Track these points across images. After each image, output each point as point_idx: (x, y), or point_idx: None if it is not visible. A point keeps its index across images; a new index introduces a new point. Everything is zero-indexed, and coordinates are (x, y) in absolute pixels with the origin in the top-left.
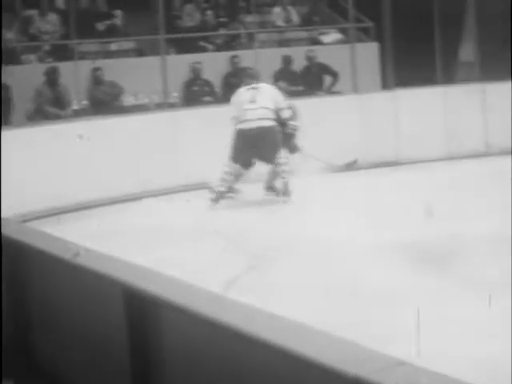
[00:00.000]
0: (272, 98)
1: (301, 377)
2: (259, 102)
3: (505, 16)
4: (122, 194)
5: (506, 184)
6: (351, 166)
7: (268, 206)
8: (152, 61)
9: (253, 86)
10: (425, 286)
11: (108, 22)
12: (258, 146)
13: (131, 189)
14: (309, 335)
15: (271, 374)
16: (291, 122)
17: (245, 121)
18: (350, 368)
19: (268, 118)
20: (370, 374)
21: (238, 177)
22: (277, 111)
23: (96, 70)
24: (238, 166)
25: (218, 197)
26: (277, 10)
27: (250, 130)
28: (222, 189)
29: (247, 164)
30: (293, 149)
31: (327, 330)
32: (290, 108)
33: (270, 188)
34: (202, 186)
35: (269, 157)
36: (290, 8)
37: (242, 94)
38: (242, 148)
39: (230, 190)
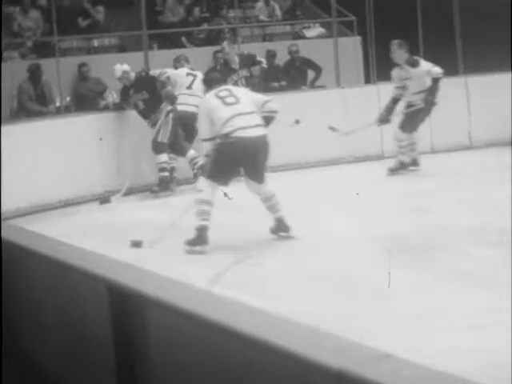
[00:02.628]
0: None
1: (285, 370)
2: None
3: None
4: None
5: (492, 176)
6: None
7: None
8: (135, 56)
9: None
10: (411, 279)
11: (90, 19)
12: None
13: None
14: (293, 329)
15: (256, 368)
16: None
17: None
18: (332, 361)
19: None
20: (353, 367)
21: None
22: None
23: (82, 65)
24: None
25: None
26: (260, 4)
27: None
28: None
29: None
30: None
31: (312, 323)
32: None
33: None
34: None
35: None
36: (272, 2)
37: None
38: None
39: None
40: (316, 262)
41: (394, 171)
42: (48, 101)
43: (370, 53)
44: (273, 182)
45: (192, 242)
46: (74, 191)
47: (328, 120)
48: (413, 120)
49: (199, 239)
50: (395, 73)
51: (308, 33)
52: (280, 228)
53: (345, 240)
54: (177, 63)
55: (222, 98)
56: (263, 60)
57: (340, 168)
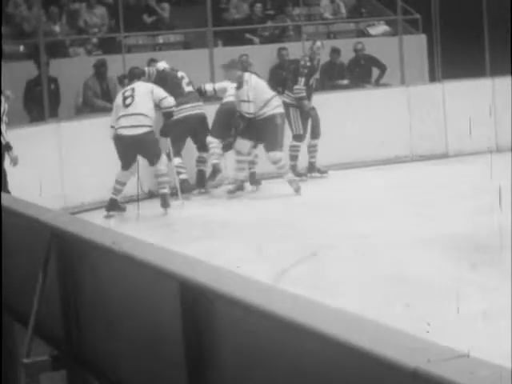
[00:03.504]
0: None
1: (360, 369)
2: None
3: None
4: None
5: None
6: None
7: (313, 200)
8: (199, 53)
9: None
10: (479, 279)
11: (155, 15)
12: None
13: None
14: (365, 326)
15: (326, 367)
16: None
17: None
18: (408, 360)
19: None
20: (428, 366)
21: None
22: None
23: (152, 61)
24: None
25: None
26: (324, 2)
27: None
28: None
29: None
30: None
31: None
32: None
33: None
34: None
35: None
36: (337, 0)
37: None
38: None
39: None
40: (381, 261)
41: None
42: (113, 97)
43: (435, 51)
44: (337, 180)
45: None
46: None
47: (393, 118)
48: None
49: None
50: None
51: (372, 30)
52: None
53: (410, 240)
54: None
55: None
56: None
57: (403, 167)
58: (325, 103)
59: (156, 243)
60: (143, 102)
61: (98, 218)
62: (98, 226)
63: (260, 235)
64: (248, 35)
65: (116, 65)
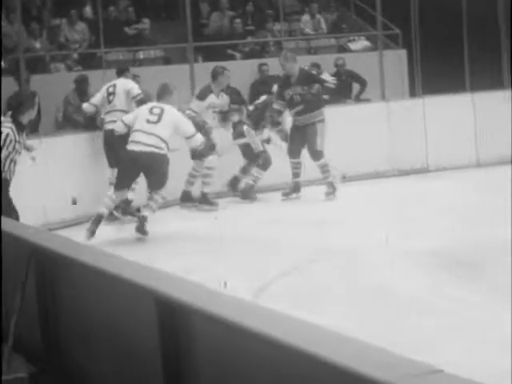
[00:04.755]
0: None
1: None
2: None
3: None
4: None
5: None
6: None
7: (295, 215)
8: (180, 69)
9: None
10: (457, 293)
11: (136, 31)
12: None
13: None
14: (343, 343)
15: (307, 381)
16: None
17: None
18: (383, 375)
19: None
20: (403, 381)
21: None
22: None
23: (134, 77)
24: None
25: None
26: (305, 17)
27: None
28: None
29: None
30: None
31: (356, 337)
32: None
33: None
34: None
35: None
36: (318, 16)
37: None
38: None
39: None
40: (359, 275)
41: None
42: (94, 113)
43: (415, 66)
44: (317, 195)
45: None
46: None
47: (373, 133)
48: None
49: None
50: None
51: (353, 46)
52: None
53: (388, 253)
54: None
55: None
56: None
57: (384, 182)
58: None
59: (137, 259)
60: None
61: (77, 234)
62: (77, 243)
63: (240, 251)
64: (229, 50)
65: (96, 80)
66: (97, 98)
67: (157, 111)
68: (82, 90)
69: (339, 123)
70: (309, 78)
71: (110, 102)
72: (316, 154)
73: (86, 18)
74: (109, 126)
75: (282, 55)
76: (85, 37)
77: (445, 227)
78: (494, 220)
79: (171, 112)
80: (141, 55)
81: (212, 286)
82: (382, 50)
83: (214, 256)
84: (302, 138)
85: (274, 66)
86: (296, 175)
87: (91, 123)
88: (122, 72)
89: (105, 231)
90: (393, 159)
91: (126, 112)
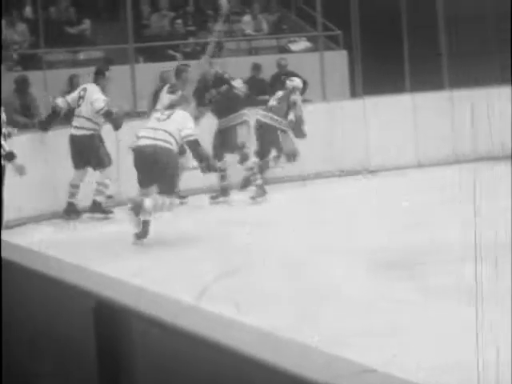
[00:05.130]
0: None
1: None
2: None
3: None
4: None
5: (481, 192)
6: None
7: (237, 214)
8: (121, 69)
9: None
10: (397, 294)
11: (76, 31)
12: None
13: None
14: (280, 344)
15: (244, 382)
16: None
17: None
18: (319, 375)
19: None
20: (339, 381)
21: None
22: None
23: (74, 77)
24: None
25: None
26: (246, 18)
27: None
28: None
29: None
30: None
31: (297, 337)
32: None
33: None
34: None
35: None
36: (259, 16)
37: None
38: None
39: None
40: (302, 275)
41: None
42: (34, 113)
43: (355, 66)
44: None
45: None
46: (58, 204)
47: (314, 133)
48: None
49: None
50: None
51: (294, 47)
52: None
53: (332, 254)
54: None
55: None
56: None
57: (325, 182)
58: None
59: (76, 261)
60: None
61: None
62: (19, 246)
63: (183, 253)
64: (170, 51)
65: (37, 81)
66: (71, 97)
67: (168, 112)
68: (22, 91)
69: None
70: (221, 82)
71: (78, 105)
72: (241, 157)
73: (27, 19)
74: (74, 131)
75: (201, 59)
76: (25, 37)
77: (383, 228)
78: (431, 221)
79: (181, 112)
80: (81, 56)
81: (152, 289)
82: (322, 50)
83: (154, 259)
84: (223, 142)
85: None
86: (222, 178)
87: (49, 121)
88: (98, 74)
89: (44, 232)
90: (333, 160)
91: (91, 120)
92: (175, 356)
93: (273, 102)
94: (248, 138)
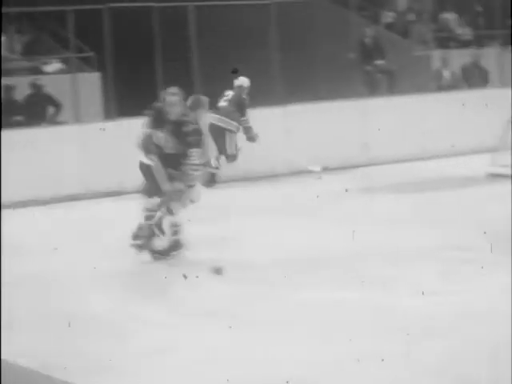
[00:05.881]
0: None
1: None
2: None
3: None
4: None
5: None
6: None
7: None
8: None
9: None
10: (150, 316)
11: None
12: None
13: None
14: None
15: None
16: None
17: None
18: None
19: None
20: None
21: None
22: None
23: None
24: None
25: None
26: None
27: None
28: None
29: None
30: None
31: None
32: None
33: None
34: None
35: None
36: (13, 37)
37: None
38: None
39: None
40: (48, 299)
41: None
42: None
43: (108, 88)
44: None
45: None
46: None
47: (67, 155)
48: None
49: None
50: None
51: (47, 68)
52: None
53: (85, 276)
54: None
55: None
56: None
57: (75, 205)
58: None
59: None
60: None
61: None
62: None
63: None
64: None
65: None
66: None
67: None
68: None
69: (35, 146)
70: None
71: None
72: None
73: None
74: None
75: None
76: None
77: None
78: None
79: None
80: None
81: None
82: (75, 72)
83: None
84: None
85: None
86: None
87: None
88: None
89: None
90: (87, 181)
91: None
92: None
93: (223, 102)
94: None
